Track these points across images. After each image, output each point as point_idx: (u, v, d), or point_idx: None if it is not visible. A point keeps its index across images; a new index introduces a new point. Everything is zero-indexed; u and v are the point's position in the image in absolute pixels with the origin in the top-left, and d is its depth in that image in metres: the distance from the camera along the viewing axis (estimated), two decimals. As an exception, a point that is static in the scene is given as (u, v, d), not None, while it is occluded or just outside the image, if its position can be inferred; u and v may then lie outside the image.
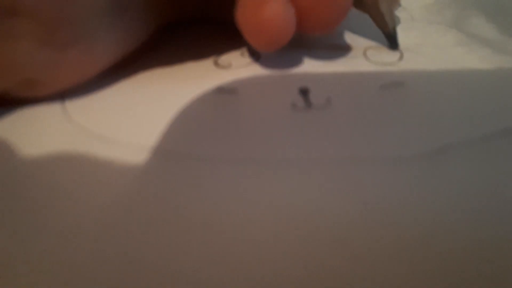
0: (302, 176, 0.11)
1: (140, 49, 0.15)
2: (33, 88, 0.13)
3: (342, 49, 0.16)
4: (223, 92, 0.14)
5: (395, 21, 0.17)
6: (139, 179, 0.11)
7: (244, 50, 0.16)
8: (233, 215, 0.10)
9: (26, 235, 0.09)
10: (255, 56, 0.16)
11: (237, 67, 0.15)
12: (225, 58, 0.16)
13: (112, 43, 0.14)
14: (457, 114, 0.13)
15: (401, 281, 0.08)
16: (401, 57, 0.16)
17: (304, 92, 0.14)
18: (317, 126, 0.12)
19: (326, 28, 0.14)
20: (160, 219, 0.10)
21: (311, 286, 0.08)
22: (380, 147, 0.11)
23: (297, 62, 0.16)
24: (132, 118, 0.13)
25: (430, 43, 0.17)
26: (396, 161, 0.11)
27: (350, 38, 0.17)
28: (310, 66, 0.15)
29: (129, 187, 0.10)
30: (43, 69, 0.12)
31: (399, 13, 0.20)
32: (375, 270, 0.08)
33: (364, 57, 0.16)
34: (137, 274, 0.09)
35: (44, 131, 0.12)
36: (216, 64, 0.16)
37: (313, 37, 0.17)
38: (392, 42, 0.16)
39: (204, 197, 0.10)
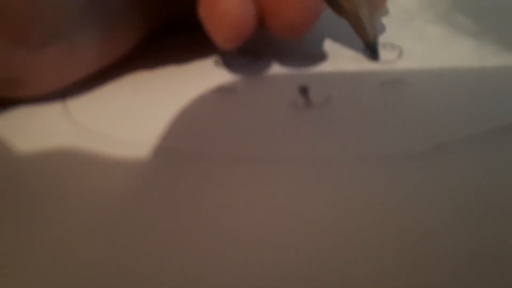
0: (302, 174, 0.11)
1: (136, 51, 0.15)
2: (18, 88, 0.13)
3: (341, 47, 0.16)
4: (224, 91, 0.14)
5: (377, 31, 0.16)
6: (140, 177, 0.11)
7: (245, 50, 0.16)
8: (233, 213, 0.10)
9: (27, 233, 0.09)
10: (255, 55, 0.16)
11: (237, 66, 0.15)
12: (226, 57, 0.16)
13: (96, 44, 0.13)
14: (456, 111, 0.13)
15: (400, 278, 0.08)
16: (400, 55, 0.16)
17: (303, 90, 0.14)
18: (317, 124, 0.12)
19: (294, 32, 0.13)
20: (162, 216, 0.10)
21: (311, 284, 0.08)
22: (379, 144, 0.12)
23: (296, 61, 0.16)
24: (134, 117, 0.13)
25: (429, 40, 0.17)
26: (396, 159, 0.11)
27: (349, 37, 0.17)
28: (309, 64, 0.15)
29: (131, 185, 0.11)
30: (22, 69, 0.12)
31: (397, 11, 0.20)
32: (374, 268, 0.08)
33: (364, 54, 0.16)
34: (139, 271, 0.09)
35: (46, 129, 0.12)
36: (217, 63, 0.16)
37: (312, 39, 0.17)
38: (372, 52, 0.15)
39: (205, 195, 0.10)
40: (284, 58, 0.16)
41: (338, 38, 0.17)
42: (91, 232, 0.09)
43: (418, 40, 0.17)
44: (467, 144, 0.11)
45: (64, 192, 0.10)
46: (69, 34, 0.13)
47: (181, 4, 0.16)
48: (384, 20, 0.19)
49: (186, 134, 0.12)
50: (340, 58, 0.16)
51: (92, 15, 0.13)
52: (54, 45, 0.12)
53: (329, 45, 0.17)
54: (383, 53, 0.16)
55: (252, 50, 0.16)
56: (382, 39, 0.17)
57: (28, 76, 0.13)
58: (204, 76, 0.15)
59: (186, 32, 0.17)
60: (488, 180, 0.10)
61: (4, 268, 0.09)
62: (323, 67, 0.15)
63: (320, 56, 0.16)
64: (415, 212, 0.10)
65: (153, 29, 0.16)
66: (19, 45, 0.12)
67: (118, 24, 0.14)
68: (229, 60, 0.16)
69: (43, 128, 0.13)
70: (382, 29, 0.18)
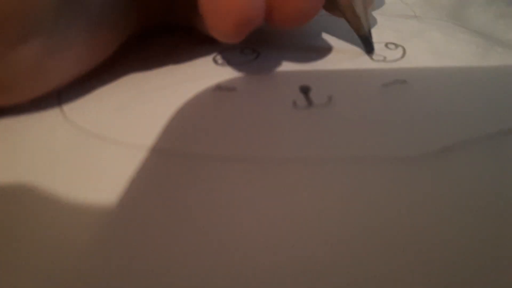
0: (302, 175, 0.11)
1: (132, 49, 0.15)
2: None
3: (343, 47, 0.16)
4: (222, 90, 0.14)
5: (370, 23, 0.16)
6: (138, 178, 0.11)
7: (244, 47, 0.16)
8: (233, 214, 0.10)
9: (26, 235, 0.09)
10: (255, 54, 0.16)
11: (236, 64, 0.15)
12: (224, 55, 0.16)
13: (76, 45, 0.12)
14: (460, 113, 0.12)
15: (402, 281, 0.08)
16: (403, 54, 0.16)
17: (305, 90, 0.14)
18: (318, 125, 0.12)
19: (301, 19, 0.13)
20: (160, 218, 0.10)
21: (311, 286, 0.08)
22: (382, 147, 0.11)
23: (297, 59, 0.15)
24: (131, 117, 0.13)
25: (433, 39, 0.17)
26: (398, 161, 0.11)
27: (350, 37, 0.17)
28: (310, 64, 0.15)
29: (128, 186, 0.10)
30: None
31: (401, 9, 0.19)
32: (376, 270, 0.08)
33: (366, 54, 0.16)
34: (137, 273, 0.08)
35: (41, 132, 0.12)
36: (215, 61, 0.15)
37: (313, 39, 0.17)
38: (367, 45, 0.16)
39: (203, 196, 0.10)
40: (285, 56, 0.16)
41: (341, 37, 0.17)
42: (87, 233, 0.09)
43: (422, 40, 0.17)
44: (472, 147, 0.11)
45: (61, 193, 0.10)
46: (47, 32, 0.12)
47: (172, 4, 0.15)
48: (387, 19, 0.18)
49: (184, 134, 0.12)
50: (343, 57, 0.15)
51: (74, 11, 0.12)
52: (29, 43, 0.11)
53: (331, 44, 0.16)
54: (386, 53, 0.16)
55: (252, 47, 0.16)
56: (385, 38, 0.17)
57: (4, 79, 0.12)
58: (202, 75, 0.15)
59: (183, 30, 0.17)
60: (494, 183, 0.10)
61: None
62: (325, 66, 0.15)
63: (322, 55, 0.16)
64: (419, 215, 0.09)
65: (134, 32, 0.15)
66: None
67: (103, 22, 0.13)
68: (228, 58, 0.16)
69: (39, 130, 0.12)
70: (385, 28, 0.18)
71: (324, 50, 0.16)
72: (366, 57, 0.15)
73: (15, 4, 0.11)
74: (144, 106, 0.13)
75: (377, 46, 0.16)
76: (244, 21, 0.12)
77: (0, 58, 0.11)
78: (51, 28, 0.12)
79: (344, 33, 0.17)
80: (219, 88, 0.14)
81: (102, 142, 0.12)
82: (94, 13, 0.13)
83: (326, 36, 0.17)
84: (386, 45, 0.16)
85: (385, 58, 0.15)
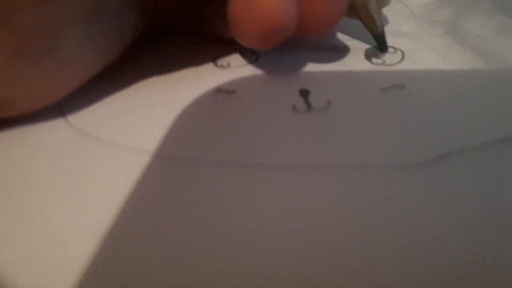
0: (301, 180, 0.11)
1: (132, 53, 0.15)
2: (5, 107, 0.12)
3: (342, 51, 0.16)
4: (222, 92, 0.14)
5: (383, 22, 0.16)
6: (140, 183, 0.11)
7: (244, 49, 0.16)
8: (232, 219, 0.10)
9: (28, 240, 0.09)
10: (254, 56, 0.16)
11: (236, 67, 0.15)
12: (224, 58, 0.16)
13: (89, 53, 0.13)
14: (458, 120, 0.12)
15: (396, 286, 0.08)
16: (402, 59, 0.16)
17: (304, 93, 0.14)
18: (317, 130, 0.12)
19: (322, 30, 0.13)
20: (161, 223, 0.10)
21: None
22: (379, 153, 0.11)
23: (297, 63, 0.15)
24: (132, 122, 0.13)
25: (432, 44, 0.17)
26: (396, 168, 0.11)
27: (350, 40, 0.17)
28: (310, 67, 0.15)
29: (130, 191, 0.10)
30: (14, 85, 0.11)
31: (401, 12, 0.19)
32: (374, 277, 0.08)
33: (365, 58, 0.16)
34: (137, 276, 0.08)
35: (43, 136, 0.12)
36: (215, 63, 0.15)
37: (312, 39, 0.17)
38: (381, 44, 0.16)
39: (204, 200, 0.10)
40: (285, 59, 0.16)
41: (341, 40, 0.17)
42: (89, 237, 0.09)
43: (422, 44, 0.17)
44: (470, 155, 0.11)
45: (64, 198, 0.10)
46: (67, 44, 0.12)
47: (179, 8, 0.15)
48: (388, 22, 0.18)
49: (185, 138, 0.12)
50: (342, 61, 0.15)
51: (89, 23, 0.12)
52: (50, 57, 0.11)
53: (331, 47, 0.16)
54: (384, 58, 0.16)
55: (252, 50, 0.16)
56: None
57: (19, 92, 0.11)
58: (202, 77, 0.15)
59: (184, 33, 0.17)
60: (491, 191, 0.10)
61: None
62: (325, 69, 0.15)
63: (321, 58, 0.16)
64: (415, 222, 0.09)
65: (141, 34, 0.15)
66: (17, 59, 0.11)
67: (115, 32, 0.13)
68: (227, 60, 0.16)
69: (41, 137, 0.12)
70: (385, 31, 0.18)
71: (324, 53, 0.16)
72: (365, 60, 0.15)
73: (43, 19, 0.11)
74: (144, 110, 0.13)
75: (376, 51, 0.16)
76: (275, 29, 0.12)
77: (23, 72, 0.11)
78: (72, 40, 0.12)
79: (344, 36, 0.17)
80: (219, 91, 0.14)
81: (103, 146, 0.12)
82: (108, 24, 0.13)
83: (326, 39, 0.17)
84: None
85: (384, 62, 0.15)
